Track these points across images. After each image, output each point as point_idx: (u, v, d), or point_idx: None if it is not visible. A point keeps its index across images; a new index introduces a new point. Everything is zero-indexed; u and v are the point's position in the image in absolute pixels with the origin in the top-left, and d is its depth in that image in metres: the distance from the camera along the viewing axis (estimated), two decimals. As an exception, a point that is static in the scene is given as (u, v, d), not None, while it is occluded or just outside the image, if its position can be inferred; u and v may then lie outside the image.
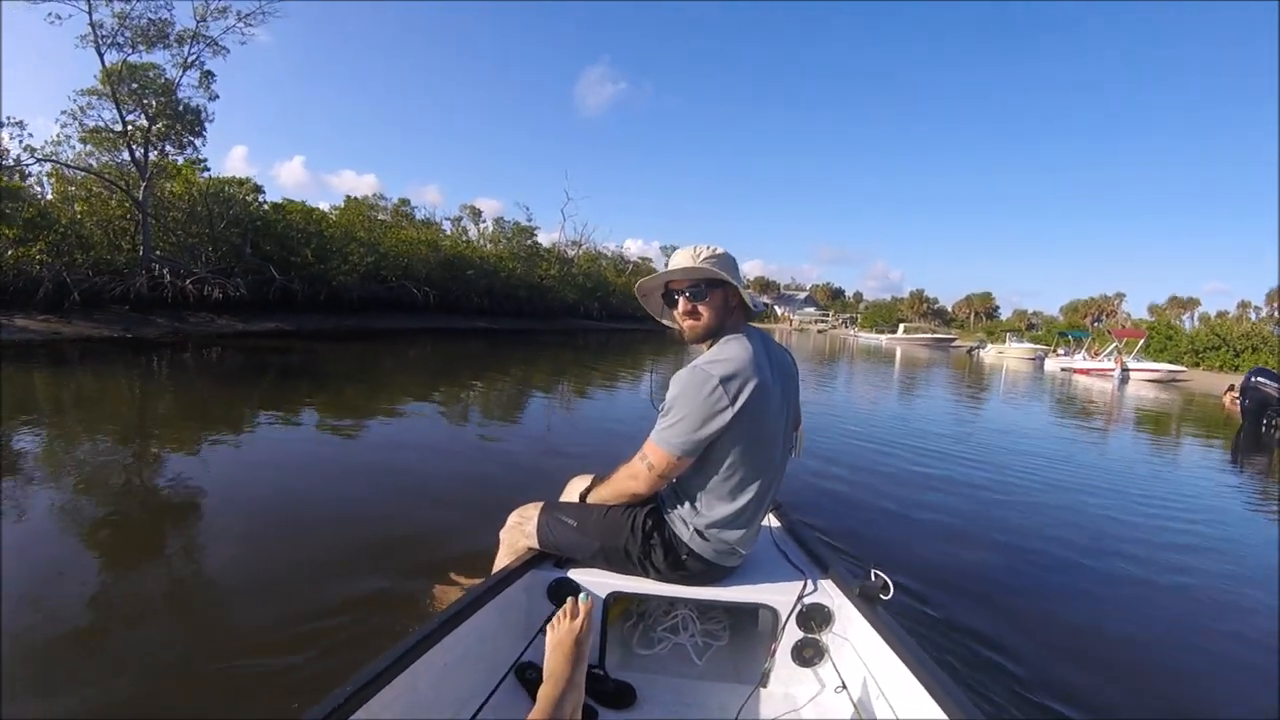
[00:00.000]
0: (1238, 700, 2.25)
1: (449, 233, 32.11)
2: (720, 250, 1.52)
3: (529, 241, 32.99)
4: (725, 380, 1.38)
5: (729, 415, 1.38)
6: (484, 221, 33.45)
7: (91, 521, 3.06)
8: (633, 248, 68.44)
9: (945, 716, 1.13)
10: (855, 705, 1.44)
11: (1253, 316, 55.22)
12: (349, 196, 27.37)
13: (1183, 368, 30.09)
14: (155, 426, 5.43)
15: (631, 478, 1.53)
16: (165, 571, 2.57)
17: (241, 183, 21.48)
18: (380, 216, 30.61)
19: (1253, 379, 12.72)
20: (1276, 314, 53.54)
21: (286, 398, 7.17)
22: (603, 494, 1.64)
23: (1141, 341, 31.49)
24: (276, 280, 19.62)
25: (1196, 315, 64.63)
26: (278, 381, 8.79)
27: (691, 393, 1.39)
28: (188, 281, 18.87)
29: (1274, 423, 11.89)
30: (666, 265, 1.54)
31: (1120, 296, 77.87)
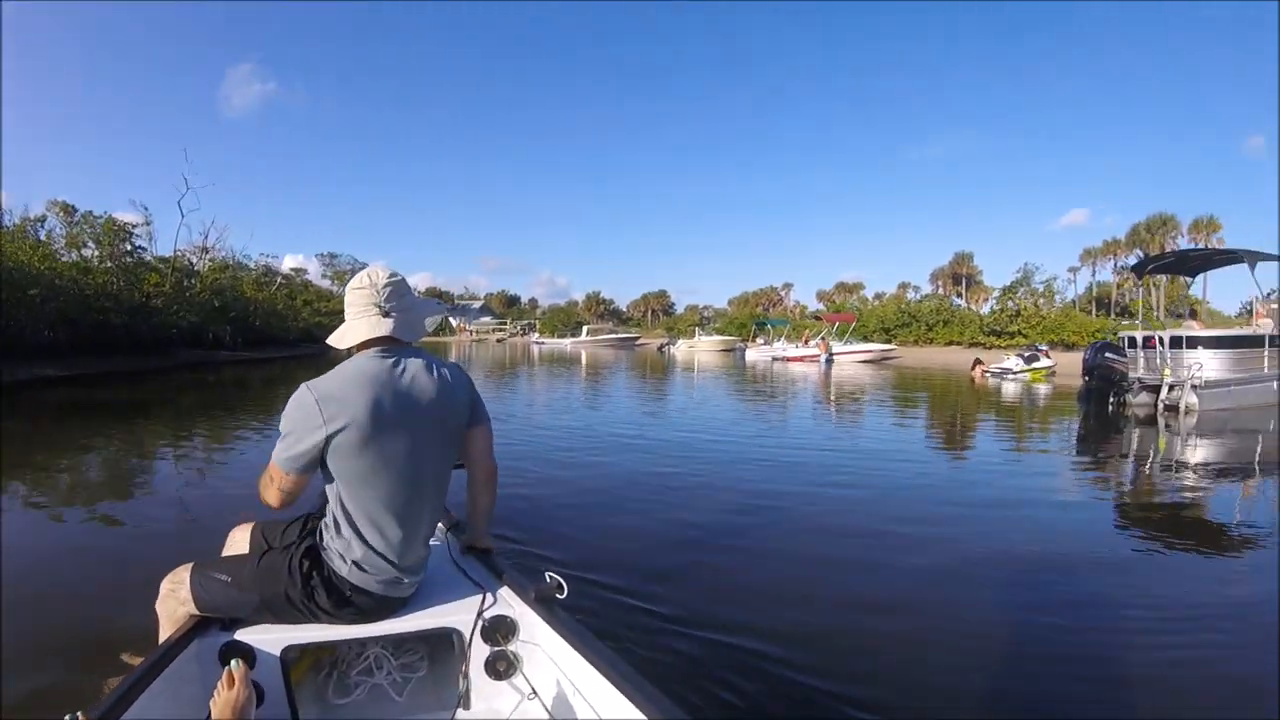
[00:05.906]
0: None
1: (30, 238, 21.66)
2: (399, 276, 1.55)
3: (127, 246, 23.26)
4: (322, 400, 1.38)
5: (322, 434, 1.37)
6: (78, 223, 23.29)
7: None
8: (291, 264, 59.18)
9: (632, 707, 1.17)
10: (549, 709, 1.48)
11: (912, 295, 64.93)
12: None
13: (893, 346, 33.08)
14: None
15: (264, 490, 1.49)
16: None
17: None
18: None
19: (1102, 355, 11.88)
20: (942, 289, 64.88)
21: None
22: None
23: (853, 325, 34.13)
24: None
25: (857, 298, 73.63)
26: None
27: (291, 410, 1.40)
28: None
29: (1122, 399, 11.45)
30: (377, 283, 1.51)
31: (788, 286, 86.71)
